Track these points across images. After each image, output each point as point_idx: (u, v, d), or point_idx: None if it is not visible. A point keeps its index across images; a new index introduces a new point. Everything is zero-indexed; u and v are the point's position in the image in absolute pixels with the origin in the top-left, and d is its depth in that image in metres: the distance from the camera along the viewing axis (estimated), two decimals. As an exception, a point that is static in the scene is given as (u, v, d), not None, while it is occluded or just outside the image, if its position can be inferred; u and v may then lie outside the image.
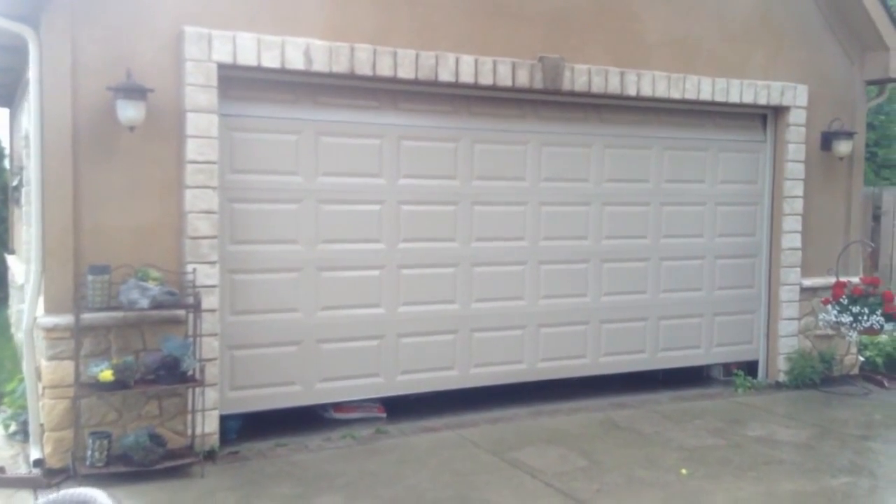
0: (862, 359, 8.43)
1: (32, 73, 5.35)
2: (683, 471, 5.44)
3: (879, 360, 8.42)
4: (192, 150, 5.63)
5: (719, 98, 7.57)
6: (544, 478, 5.30)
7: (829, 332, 8.02)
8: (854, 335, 7.72)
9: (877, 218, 10.12)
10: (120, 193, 5.49)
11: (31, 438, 5.47)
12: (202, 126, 5.65)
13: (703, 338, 7.86)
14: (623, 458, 5.69)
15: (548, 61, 6.76)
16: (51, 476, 5.23)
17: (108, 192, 5.46)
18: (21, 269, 7.92)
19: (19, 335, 8.38)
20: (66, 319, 5.28)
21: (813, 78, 8.07)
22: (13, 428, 6.20)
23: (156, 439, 5.29)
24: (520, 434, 6.24)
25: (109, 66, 5.42)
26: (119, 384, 5.14)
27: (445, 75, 6.41)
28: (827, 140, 8.10)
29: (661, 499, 4.99)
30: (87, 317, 5.26)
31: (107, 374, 5.08)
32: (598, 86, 6.99)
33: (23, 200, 7.30)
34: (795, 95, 7.94)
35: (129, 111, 5.32)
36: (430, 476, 5.35)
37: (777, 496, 5.05)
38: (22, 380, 6.56)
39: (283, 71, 5.94)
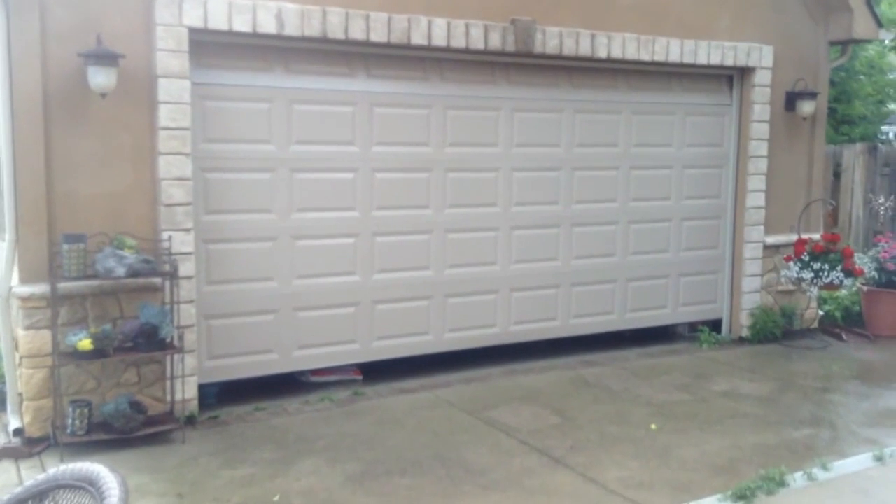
0: (822, 313, 8.72)
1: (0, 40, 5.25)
2: (653, 426, 5.64)
3: (838, 314, 8.71)
4: (165, 116, 5.59)
5: (688, 60, 7.66)
6: (519, 436, 5.47)
7: (791, 287, 8.27)
8: (815, 291, 7.97)
9: (837, 175, 10.38)
10: (93, 161, 5.45)
11: (9, 408, 5.49)
12: (174, 92, 5.60)
13: (670, 298, 8.06)
14: (594, 415, 5.87)
15: (520, 24, 6.78)
16: (31, 445, 5.25)
17: (80, 160, 5.41)
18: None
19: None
20: (41, 288, 5.27)
21: (778, 39, 8.18)
22: (-9, 397, 6.20)
23: (136, 406, 5.34)
24: (494, 393, 6.39)
25: (79, 31, 5.33)
26: (98, 353, 5.16)
27: (418, 38, 6.41)
28: (791, 100, 8.25)
29: (632, 453, 5.18)
30: (64, 286, 5.26)
31: (85, 343, 5.10)
32: (569, 48, 7.03)
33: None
34: (761, 56, 8.06)
35: (101, 78, 5.26)
36: (408, 437, 5.48)
37: (742, 448, 5.26)
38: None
39: (254, 35, 5.89)
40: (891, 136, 21.03)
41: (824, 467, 4.92)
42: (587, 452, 5.20)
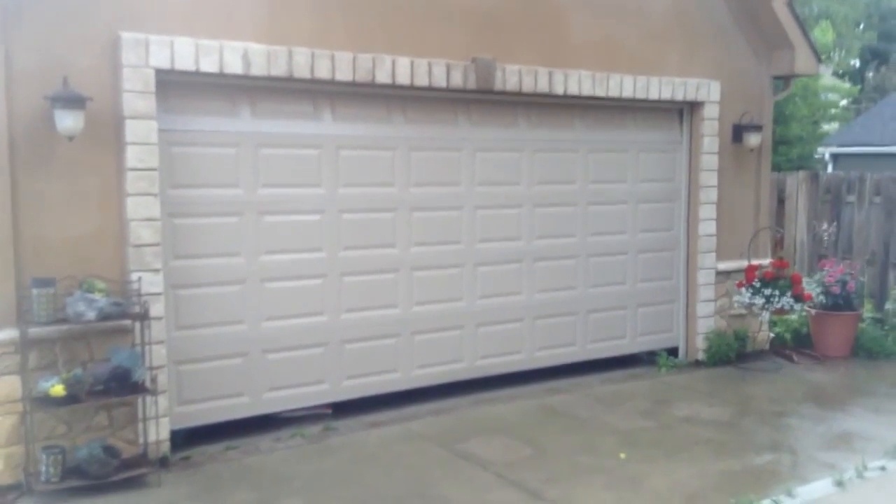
0: (772, 335, 9.03)
1: (-36, 83, 5.20)
2: (622, 455, 5.79)
3: (788, 336, 9.03)
4: (132, 157, 5.58)
5: (640, 95, 7.92)
6: (494, 469, 5.56)
7: (743, 311, 8.56)
8: (766, 315, 8.25)
9: (781, 201, 10.76)
10: (60, 204, 5.41)
11: (-21, 456, 5.38)
12: (141, 133, 5.60)
13: (629, 328, 8.29)
14: (565, 445, 6.00)
15: (480, 62, 6.95)
16: (4, 493, 5.16)
17: (47, 203, 5.37)
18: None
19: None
20: (9, 334, 5.20)
21: (724, 74, 8.52)
22: (-49, 443, 6.05)
23: (109, 451, 5.29)
24: (464, 424, 6.48)
25: (45, 73, 5.31)
26: (70, 398, 5.10)
27: (382, 77, 6.52)
28: (738, 132, 8.59)
29: (605, 484, 5.31)
30: (33, 331, 5.20)
31: (58, 389, 5.05)
32: (528, 85, 7.23)
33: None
34: (709, 91, 8.38)
35: (68, 121, 5.24)
36: (384, 473, 5.53)
37: (709, 476, 5.44)
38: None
39: (221, 75, 5.93)
40: (826, 156, 21.86)
41: (789, 494, 5.11)
42: (562, 484, 5.31)
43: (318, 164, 6.50)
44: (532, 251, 7.61)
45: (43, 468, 5.09)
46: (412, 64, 6.65)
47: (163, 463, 5.62)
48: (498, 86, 7.05)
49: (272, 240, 6.33)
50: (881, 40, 31.52)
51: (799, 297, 8.05)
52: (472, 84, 6.93)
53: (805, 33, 8.76)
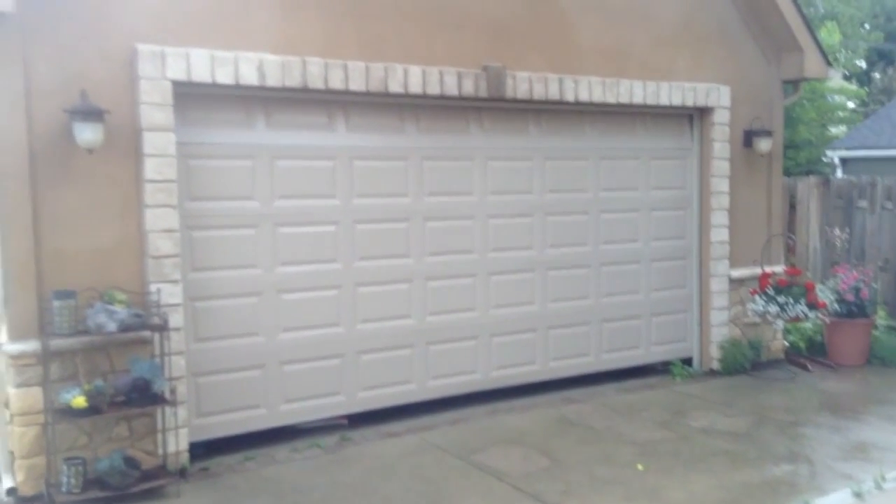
0: (786, 343, 9.01)
1: (-17, 96, 5.24)
2: (640, 466, 5.79)
3: (802, 345, 9.02)
4: (151, 169, 5.62)
5: (650, 101, 7.93)
6: (511, 480, 5.57)
7: (757, 320, 8.54)
8: (781, 323, 8.24)
9: (792, 206, 10.75)
10: (80, 216, 5.45)
11: (0, 467, 5.42)
12: (159, 145, 5.65)
13: (643, 338, 8.28)
14: (582, 456, 6.01)
15: (491, 70, 6.97)
16: (24, 504, 5.22)
17: (68, 215, 5.41)
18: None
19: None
20: (32, 346, 5.24)
21: (734, 79, 8.53)
22: (-27, 454, 6.09)
23: (130, 462, 5.32)
24: (480, 435, 6.49)
25: (64, 86, 5.36)
26: (92, 409, 5.14)
27: (395, 86, 6.55)
28: (749, 137, 8.59)
29: (624, 496, 5.31)
30: (55, 343, 5.24)
31: (80, 401, 5.08)
32: (538, 92, 7.25)
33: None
34: (719, 96, 8.38)
35: (87, 134, 5.28)
36: (402, 484, 5.54)
37: (728, 488, 5.43)
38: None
39: (237, 87, 5.98)
40: (835, 160, 21.79)
41: (809, 506, 5.13)
42: (580, 497, 5.32)
43: (332, 175, 6.53)
44: (545, 260, 7.62)
45: (64, 479, 5.12)
46: (424, 73, 6.68)
47: (182, 474, 5.65)
48: (509, 93, 7.07)
49: (288, 251, 6.35)
50: (888, 41, 31.44)
51: (813, 305, 8.03)
52: (483, 92, 6.95)
53: (814, 37, 8.77)
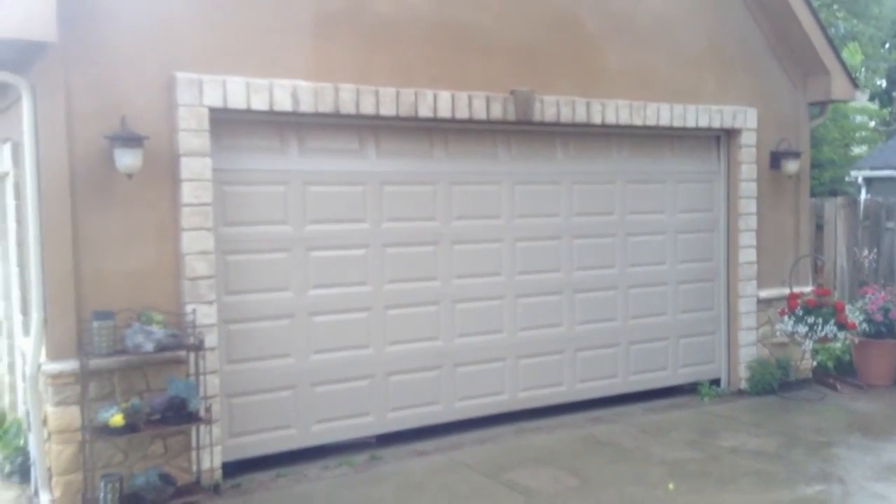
0: (814, 363, 8.97)
1: (26, 122, 5.40)
2: (670, 486, 5.80)
3: (830, 364, 8.97)
4: (188, 193, 5.76)
5: (677, 123, 7.99)
6: (541, 500, 5.60)
7: (785, 340, 8.53)
8: (809, 344, 8.22)
9: (819, 227, 10.71)
10: (118, 238, 5.60)
11: (37, 483, 5.54)
12: (196, 169, 5.79)
13: (670, 360, 8.29)
14: (611, 476, 6.03)
15: (519, 94, 7.07)
16: (61, 520, 5.32)
17: (106, 238, 5.56)
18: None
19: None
20: (70, 365, 5.37)
21: (761, 101, 8.56)
22: (8, 469, 6.24)
23: (165, 478, 5.42)
24: (508, 454, 6.52)
25: (103, 112, 5.52)
26: (129, 427, 5.25)
27: (425, 111, 6.67)
28: (776, 159, 8.61)
29: (655, 515, 5.34)
30: (93, 362, 5.36)
31: (117, 419, 5.19)
32: (566, 115, 7.33)
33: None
34: (746, 118, 8.42)
35: (127, 159, 5.43)
36: (432, 502, 5.59)
37: (759, 508, 5.45)
38: (15, 421, 6.61)
39: (271, 112, 6.12)
40: (859, 180, 21.66)
41: (842, 526, 5.11)
42: (610, 515, 5.35)
43: (363, 200, 6.65)
44: (572, 283, 7.67)
45: (101, 495, 5.23)
46: (453, 97, 6.79)
47: (215, 490, 5.74)
48: (536, 117, 7.16)
49: (319, 275, 6.47)
50: (910, 60, 31.22)
51: (843, 325, 8.00)
52: (511, 115, 7.05)
53: (840, 59, 8.79)
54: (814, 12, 8.51)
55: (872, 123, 26.00)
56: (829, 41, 8.73)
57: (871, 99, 28.31)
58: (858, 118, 24.15)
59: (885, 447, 6.67)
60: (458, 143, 7.10)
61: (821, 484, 5.85)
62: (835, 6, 26.63)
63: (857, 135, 23.41)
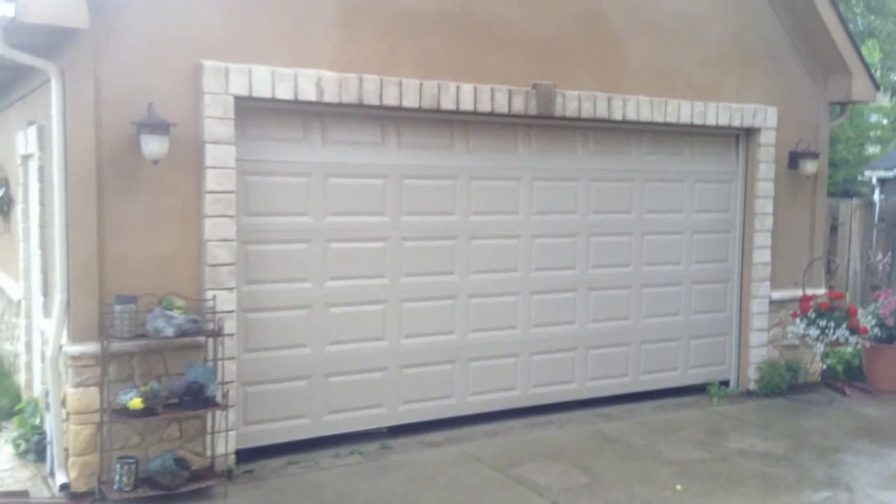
0: (824, 366, 9.00)
1: (55, 107, 5.46)
2: (678, 486, 5.86)
3: (840, 368, 8.99)
4: (212, 180, 5.81)
5: (697, 121, 7.98)
6: (550, 495, 5.67)
7: (796, 342, 8.55)
8: (821, 347, 8.25)
9: (834, 228, 10.71)
10: (142, 224, 5.66)
11: (55, 462, 5.63)
12: (221, 157, 5.84)
13: (681, 360, 8.32)
14: (620, 474, 6.09)
15: (541, 88, 7.08)
16: (76, 500, 5.42)
17: (131, 223, 5.62)
18: (12, 285, 7.94)
19: (7, 347, 8.46)
20: (91, 348, 5.45)
21: (781, 100, 8.54)
22: (23, 447, 6.33)
23: (180, 462, 5.51)
24: (518, 448, 6.59)
25: (130, 99, 5.56)
26: (147, 411, 5.34)
27: (447, 103, 6.68)
28: (794, 159, 8.59)
29: (662, 515, 5.40)
30: (115, 346, 5.44)
31: (136, 402, 5.28)
32: (587, 110, 7.34)
33: (20, 217, 7.35)
34: (766, 117, 8.40)
35: (154, 146, 5.48)
36: (442, 494, 5.67)
37: (766, 512, 5.50)
38: (32, 399, 6.72)
39: (295, 102, 6.15)
40: (873, 180, 21.53)
41: (849, 534, 5.16)
42: (618, 513, 5.42)
43: (383, 192, 6.69)
44: (587, 280, 7.71)
45: (116, 477, 5.32)
46: (475, 90, 6.80)
47: (228, 475, 5.82)
48: (558, 111, 7.17)
49: (337, 266, 6.52)
50: (927, 58, 30.92)
51: (855, 330, 8.02)
52: (532, 109, 7.06)
53: (863, 59, 8.74)
54: (838, 11, 8.47)
55: (885, 122, 25.80)
56: (853, 41, 8.69)
57: (893, 96, 28.10)
58: (874, 117, 23.97)
59: (892, 454, 6.70)
60: (478, 138, 7.12)
61: (827, 490, 5.90)
62: (852, 1, 26.36)
63: (872, 134, 23.25)
